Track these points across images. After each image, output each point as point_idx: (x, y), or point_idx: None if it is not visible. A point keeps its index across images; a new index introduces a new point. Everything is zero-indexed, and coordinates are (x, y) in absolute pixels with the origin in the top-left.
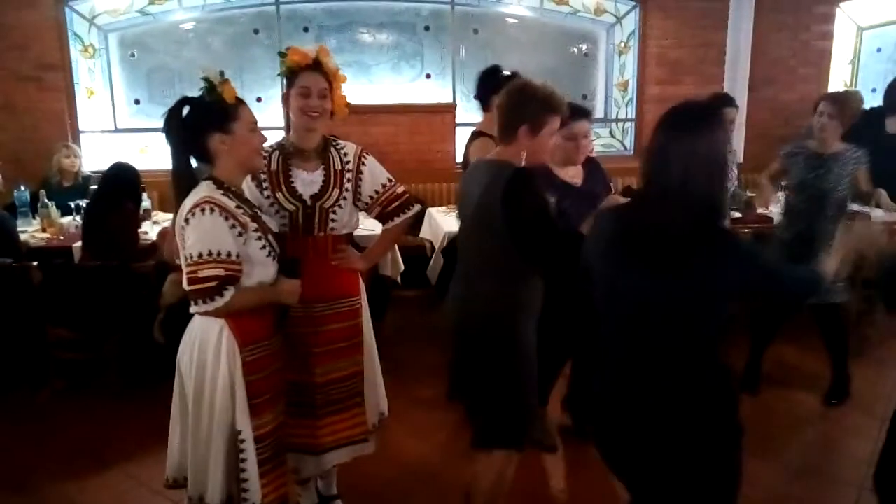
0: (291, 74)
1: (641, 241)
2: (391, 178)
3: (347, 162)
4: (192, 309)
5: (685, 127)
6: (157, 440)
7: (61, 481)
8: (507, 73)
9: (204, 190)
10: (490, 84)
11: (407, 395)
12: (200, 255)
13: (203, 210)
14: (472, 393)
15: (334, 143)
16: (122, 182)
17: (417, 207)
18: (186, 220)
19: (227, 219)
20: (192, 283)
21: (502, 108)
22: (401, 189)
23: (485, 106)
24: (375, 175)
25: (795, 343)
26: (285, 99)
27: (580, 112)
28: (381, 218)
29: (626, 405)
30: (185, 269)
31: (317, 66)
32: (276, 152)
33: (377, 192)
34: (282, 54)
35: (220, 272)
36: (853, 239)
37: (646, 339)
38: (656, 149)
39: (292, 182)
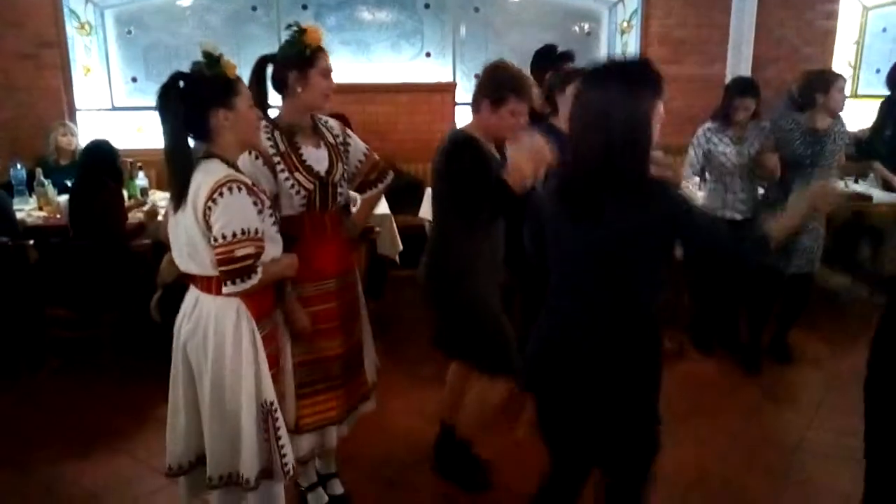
0: (310, 54)
1: (567, 193)
2: (368, 147)
3: (337, 136)
4: (226, 289)
5: (595, 83)
6: (154, 418)
7: (58, 460)
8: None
9: (219, 169)
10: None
11: (405, 372)
12: (235, 235)
13: (231, 189)
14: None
15: (318, 119)
16: (101, 160)
17: (391, 175)
18: (214, 201)
19: (250, 196)
20: (227, 263)
21: (477, 84)
22: (377, 158)
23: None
24: (358, 146)
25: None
26: (299, 78)
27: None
28: (362, 187)
29: (563, 356)
30: (216, 250)
31: (323, 46)
32: (276, 131)
33: (360, 163)
34: (300, 31)
35: (253, 250)
36: (806, 196)
37: (581, 288)
38: (574, 105)
39: (305, 161)
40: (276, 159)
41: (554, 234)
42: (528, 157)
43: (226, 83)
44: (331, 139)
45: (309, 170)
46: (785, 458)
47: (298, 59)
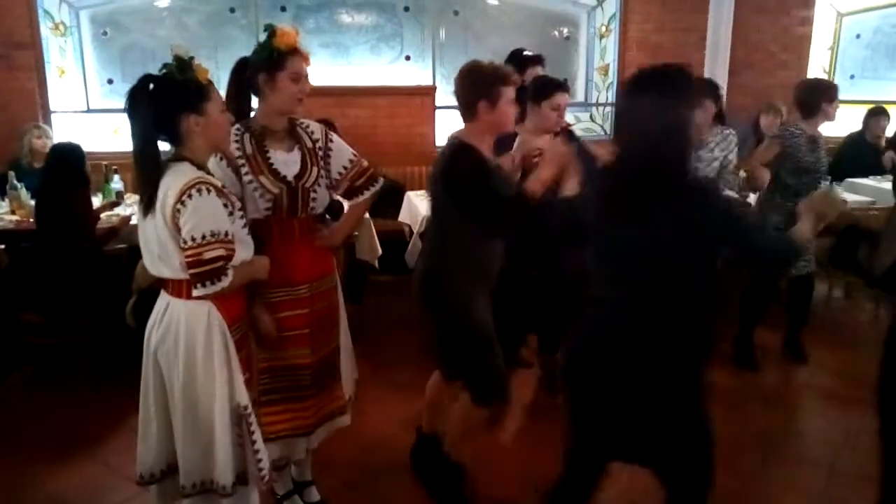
0: (280, 57)
1: (612, 196)
2: (356, 153)
3: (316, 140)
4: (196, 292)
5: (637, 90)
6: (128, 425)
7: (31, 467)
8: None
9: (188, 171)
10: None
11: (384, 379)
12: (204, 237)
13: (199, 191)
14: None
15: (298, 123)
16: (67, 163)
17: (381, 181)
18: (182, 203)
19: (220, 198)
20: (196, 266)
21: (459, 92)
22: (365, 164)
23: None
24: (342, 151)
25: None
26: (267, 81)
27: (562, 86)
28: (349, 193)
29: (607, 355)
30: (185, 253)
31: (296, 50)
32: (247, 134)
33: (345, 168)
34: (271, 33)
35: (223, 252)
36: (816, 204)
37: (627, 289)
38: (619, 108)
39: (272, 164)
40: (241, 162)
41: (599, 237)
42: (550, 163)
43: (197, 88)
44: (308, 143)
45: (275, 173)
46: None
47: (267, 61)
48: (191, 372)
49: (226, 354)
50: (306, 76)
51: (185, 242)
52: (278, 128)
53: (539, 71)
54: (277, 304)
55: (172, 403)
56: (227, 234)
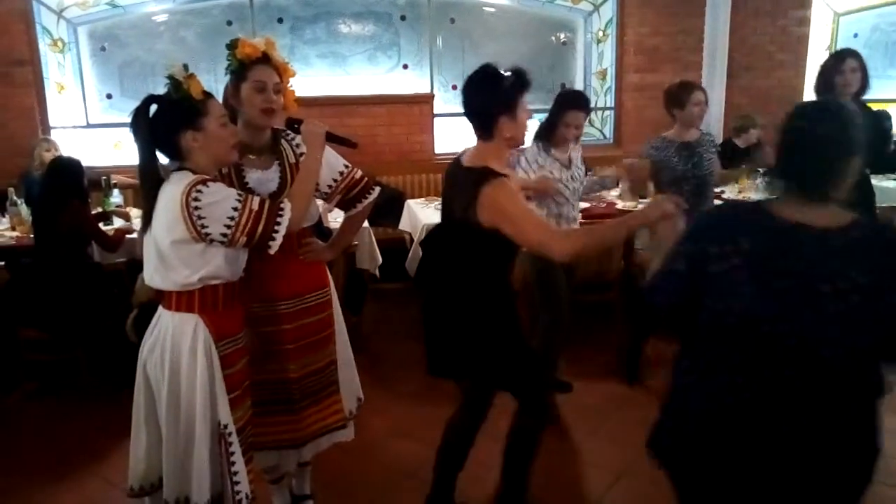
0: (242, 68)
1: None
2: (347, 164)
3: (301, 153)
4: (273, 246)
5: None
6: (128, 441)
7: (30, 483)
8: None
9: (187, 176)
10: None
11: (386, 389)
12: (235, 209)
13: (200, 187)
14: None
15: (285, 136)
16: (64, 178)
17: (377, 190)
18: (196, 207)
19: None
20: (255, 225)
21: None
22: (359, 174)
23: None
24: (332, 163)
25: None
26: (233, 94)
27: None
28: (343, 205)
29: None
30: (232, 236)
31: (266, 59)
32: None
33: (336, 181)
34: (231, 46)
35: (257, 207)
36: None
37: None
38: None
39: (246, 183)
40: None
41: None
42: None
43: (191, 105)
44: (291, 158)
45: (250, 192)
46: None
47: (232, 74)
48: (175, 385)
49: (209, 370)
50: (277, 86)
51: (225, 230)
52: (259, 143)
53: None
54: (257, 318)
55: (159, 415)
56: (244, 198)
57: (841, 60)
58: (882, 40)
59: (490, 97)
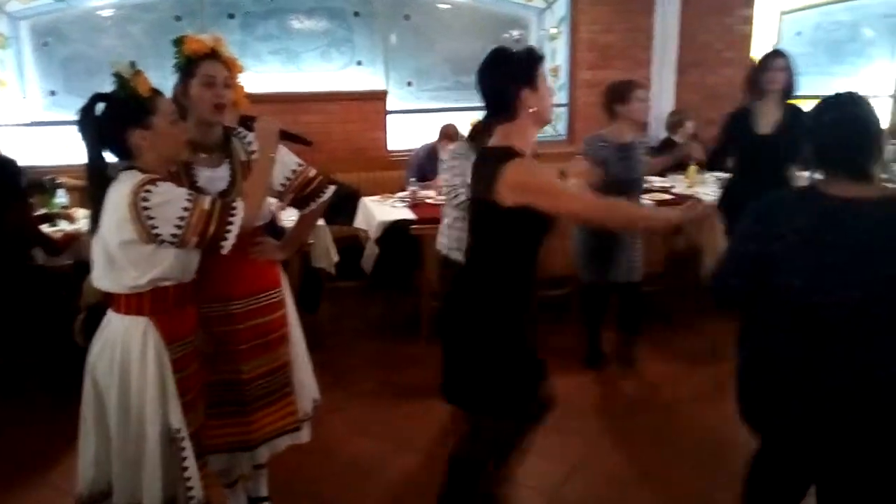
0: (189, 64)
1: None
2: (301, 162)
3: (252, 151)
4: (226, 245)
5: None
6: (77, 448)
7: None
8: None
9: (135, 175)
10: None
11: (343, 387)
12: (185, 209)
13: (149, 187)
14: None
15: (236, 134)
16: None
17: (332, 189)
18: (145, 207)
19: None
20: (206, 225)
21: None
22: (312, 172)
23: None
24: (285, 161)
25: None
26: (182, 91)
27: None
28: (297, 203)
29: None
30: (183, 237)
31: (214, 55)
32: None
33: (289, 179)
34: (177, 42)
35: (207, 206)
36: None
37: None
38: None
39: (196, 181)
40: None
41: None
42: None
43: (139, 103)
44: (242, 156)
45: (199, 191)
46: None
47: (179, 71)
48: (125, 389)
49: (160, 374)
50: (226, 81)
51: (175, 229)
52: (210, 141)
53: None
54: (209, 319)
55: (109, 420)
56: (195, 197)
57: (769, 59)
58: (824, 38)
59: (508, 72)
